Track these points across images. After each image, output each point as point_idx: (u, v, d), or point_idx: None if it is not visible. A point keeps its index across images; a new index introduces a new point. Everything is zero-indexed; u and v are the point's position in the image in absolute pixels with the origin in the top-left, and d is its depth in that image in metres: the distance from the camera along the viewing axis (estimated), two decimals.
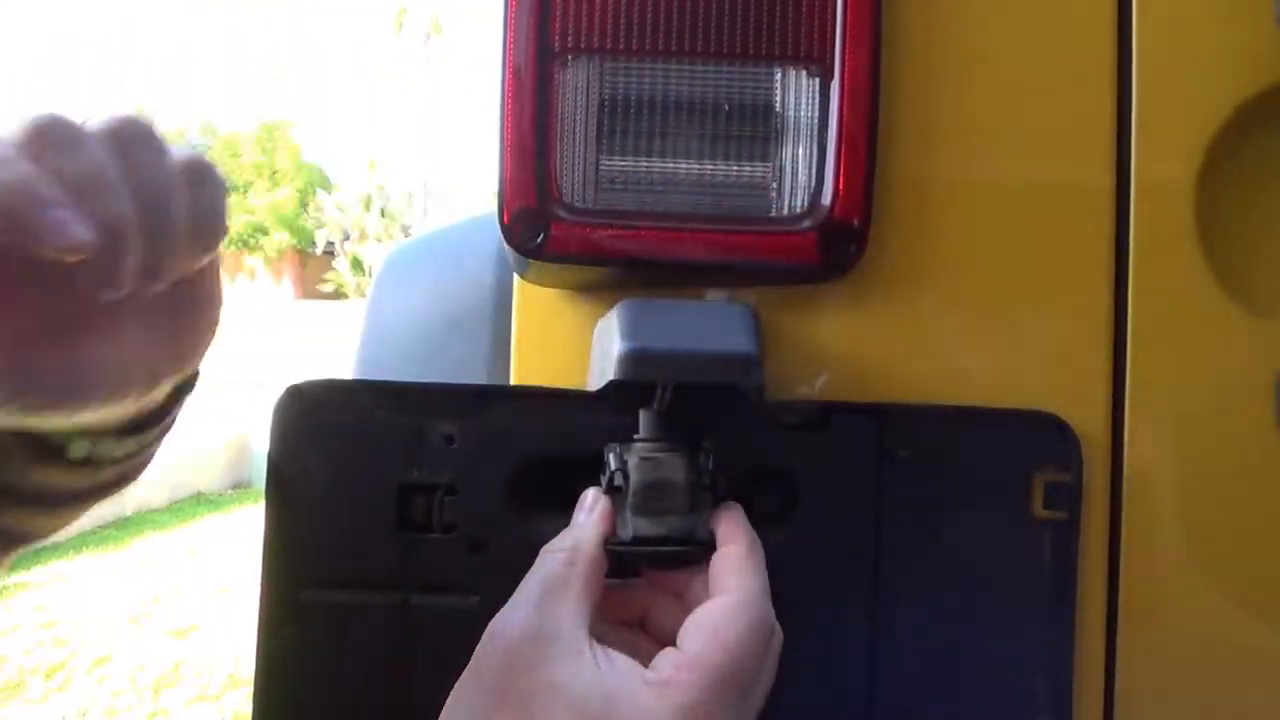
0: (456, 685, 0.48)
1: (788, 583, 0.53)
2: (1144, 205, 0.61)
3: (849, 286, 0.62)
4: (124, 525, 6.56)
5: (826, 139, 0.59)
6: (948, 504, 0.59)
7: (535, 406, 0.60)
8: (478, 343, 0.98)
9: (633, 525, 0.53)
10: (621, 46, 0.59)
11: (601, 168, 0.60)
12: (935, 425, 0.60)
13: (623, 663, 0.47)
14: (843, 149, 0.59)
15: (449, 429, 0.59)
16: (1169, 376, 0.61)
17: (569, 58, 0.59)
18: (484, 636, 0.48)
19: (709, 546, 0.52)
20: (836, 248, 0.59)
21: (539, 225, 0.59)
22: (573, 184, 0.59)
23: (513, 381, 0.65)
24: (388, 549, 0.59)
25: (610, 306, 0.59)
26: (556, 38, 0.58)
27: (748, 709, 0.48)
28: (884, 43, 0.59)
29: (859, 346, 0.62)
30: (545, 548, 0.51)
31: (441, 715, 0.48)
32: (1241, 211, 0.62)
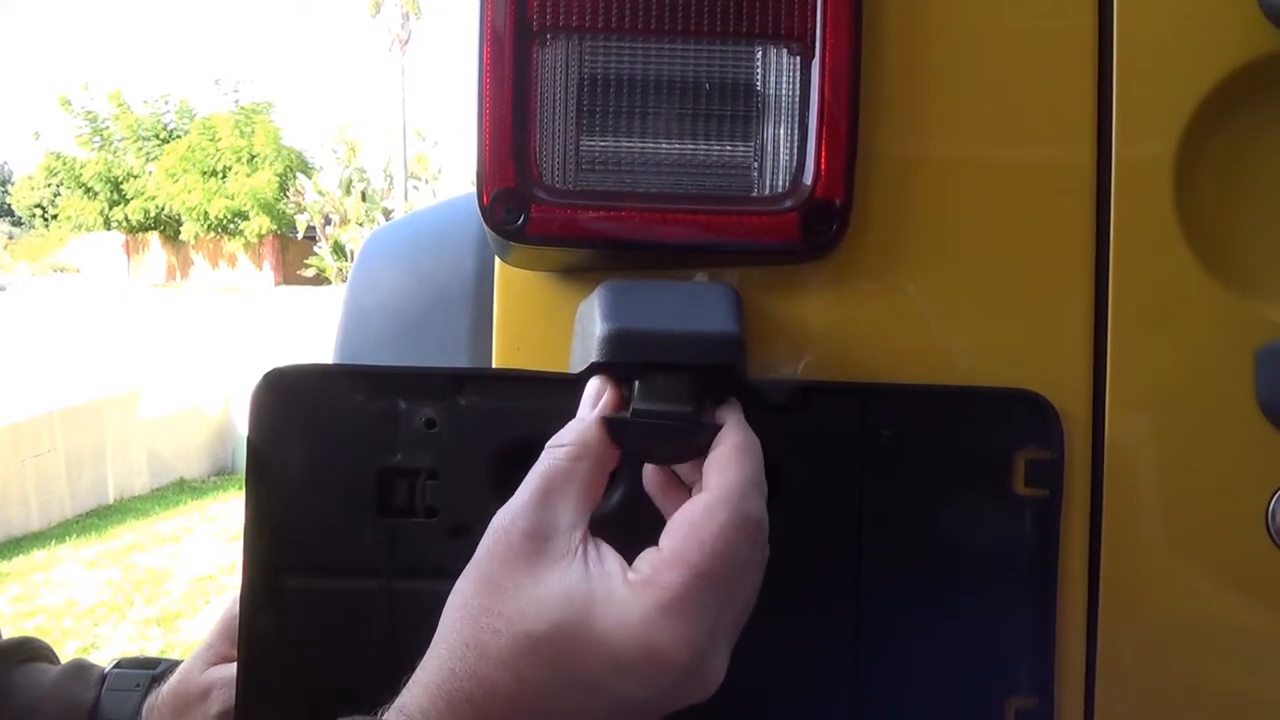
0: (460, 577, 0.49)
1: (772, 562, 0.53)
2: (1124, 184, 0.61)
3: (831, 267, 0.61)
4: (106, 513, 6.52)
5: (808, 118, 0.58)
6: (930, 482, 0.60)
7: (516, 389, 0.59)
8: (459, 326, 0.97)
9: (634, 408, 0.52)
10: (601, 25, 0.58)
11: (582, 148, 0.59)
12: (917, 404, 0.60)
13: (611, 563, 0.48)
14: (824, 128, 0.58)
15: (429, 413, 0.59)
16: (1149, 354, 0.61)
17: (547, 36, 0.58)
18: (489, 530, 0.49)
19: (712, 430, 0.51)
20: (818, 228, 0.59)
21: (519, 207, 0.58)
22: (552, 165, 0.59)
23: (495, 365, 0.64)
24: (369, 534, 0.58)
25: (592, 289, 0.58)
26: (534, 16, 0.58)
27: (733, 607, 0.49)
28: (865, 21, 0.59)
29: (841, 327, 0.62)
30: (551, 442, 0.51)
31: (447, 606, 0.49)
32: (1221, 189, 0.62)
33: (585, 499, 0.50)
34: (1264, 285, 0.62)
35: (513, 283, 0.64)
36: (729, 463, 0.50)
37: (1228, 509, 0.61)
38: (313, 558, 0.58)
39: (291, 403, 0.58)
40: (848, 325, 0.62)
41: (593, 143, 0.59)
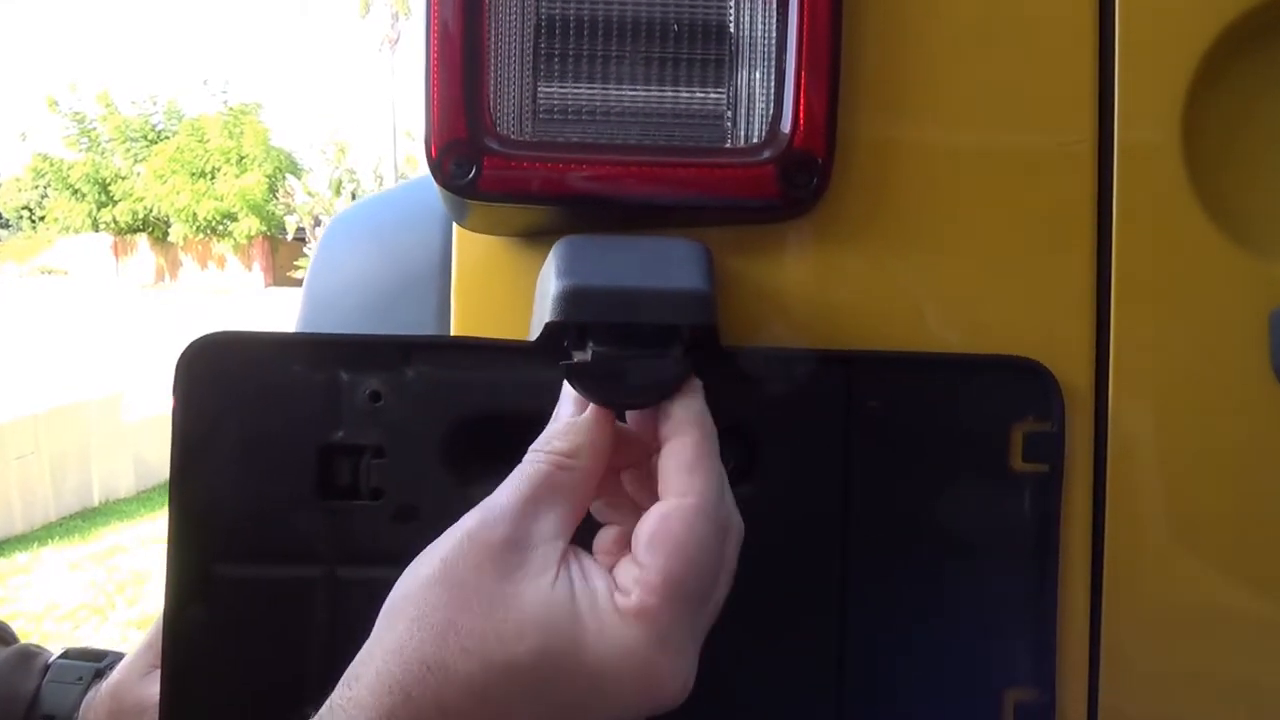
0: (411, 568, 0.44)
1: (751, 546, 0.49)
2: (1128, 136, 0.56)
3: (813, 225, 0.57)
4: (90, 515, 6.44)
5: (785, 62, 0.54)
6: (921, 458, 0.55)
7: (469, 359, 0.54)
8: (425, 306, 0.92)
9: (593, 351, 0.47)
10: None
11: (539, 96, 0.54)
12: (907, 374, 0.55)
13: (597, 581, 0.44)
14: (803, 73, 0.54)
15: (375, 385, 0.54)
16: (1156, 318, 0.57)
17: None
18: (460, 531, 0.44)
19: (684, 365, 0.46)
20: (798, 181, 0.54)
21: (470, 160, 0.53)
22: (507, 114, 0.54)
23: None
24: (309, 518, 0.54)
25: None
26: None
27: (707, 613, 0.46)
28: None
29: (825, 291, 0.57)
30: (537, 444, 0.47)
31: (391, 596, 0.44)
32: (1232, 138, 0.57)
33: (573, 510, 0.46)
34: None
35: (471, 250, 0.60)
36: (697, 465, 0.45)
37: (1242, 485, 0.57)
38: (247, 544, 0.54)
39: (222, 374, 0.54)
40: (832, 289, 0.57)
41: (551, 90, 0.54)
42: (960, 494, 0.55)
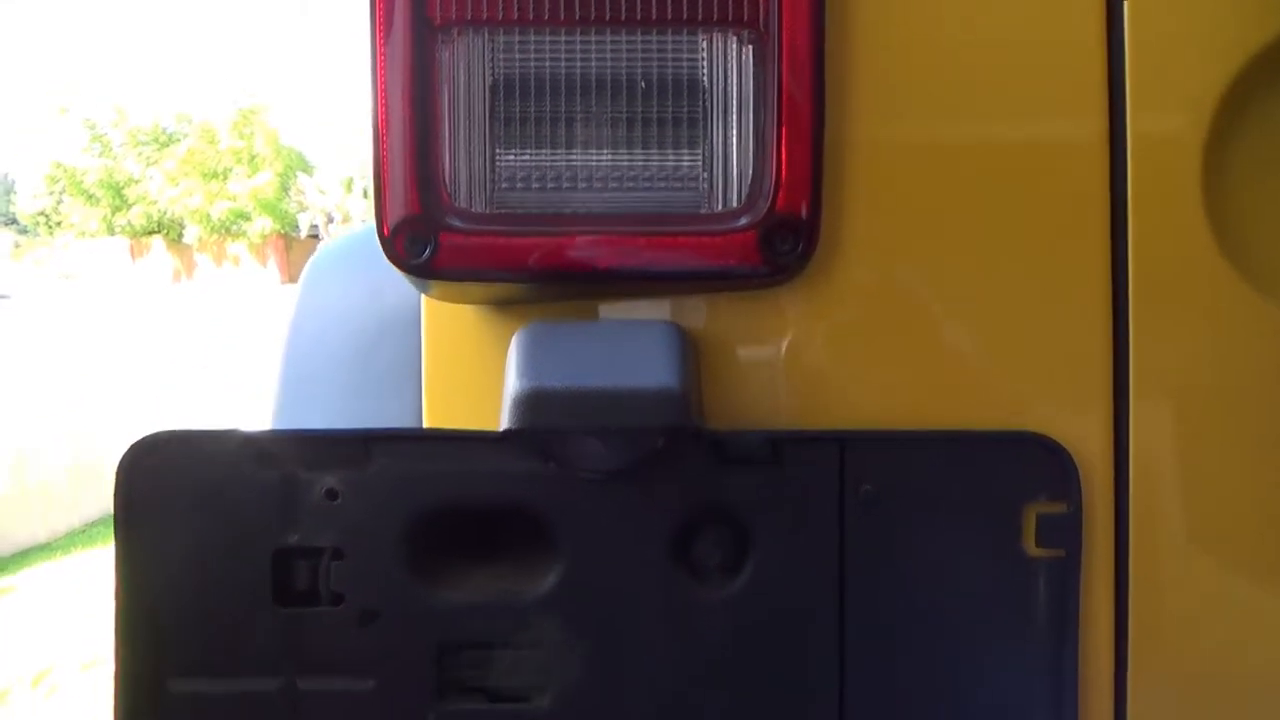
0: None
1: (741, 645, 0.45)
2: (1142, 192, 0.52)
3: (800, 293, 0.53)
4: (111, 522, 6.53)
5: (764, 118, 0.50)
6: (923, 545, 0.51)
7: (431, 451, 0.51)
8: (412, 345, 0.89)
9: None
10: (515, 16, 0.49)
11: (498, 164, 0.50)
12: (905, 453, 0.51)
13: None
14: (784, 130, 0.49)
15: (331, 482, 0.50)
16: (1180, 387, 0.52)
17: (453, 32, 0.49)
18: None
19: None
20: (780, 247, 0.50)
21: (424, 237, 0.49)
22: (464, 185, 0.50)
23: (425, 416, 0.56)
24: (265, 626, 0.50)
25: (532, 321, 0.50)
26: (437, 8, 0.49)
27: None
28: (831, 6, 0.50)
29: (814, 363, 0.53)
30: None
31: None
32: (1259, 188, 0.53)
33: None
34: None
35: (440, 320, 0.56)
36: None
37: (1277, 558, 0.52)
38: (200, 657, 0.50)
39: (168, 476, 0.50)
40: (821, 361, 0.53)
41: (511, 157, 0.50)
42: (968, 583, 0.51)
